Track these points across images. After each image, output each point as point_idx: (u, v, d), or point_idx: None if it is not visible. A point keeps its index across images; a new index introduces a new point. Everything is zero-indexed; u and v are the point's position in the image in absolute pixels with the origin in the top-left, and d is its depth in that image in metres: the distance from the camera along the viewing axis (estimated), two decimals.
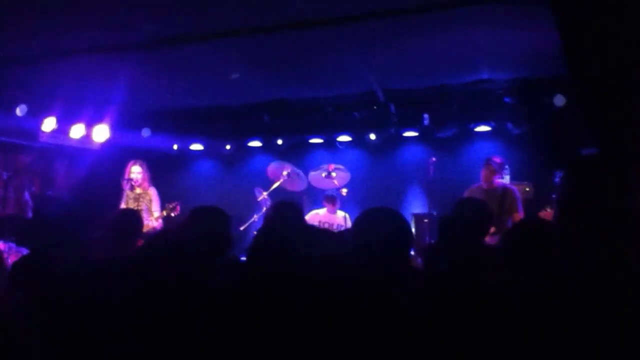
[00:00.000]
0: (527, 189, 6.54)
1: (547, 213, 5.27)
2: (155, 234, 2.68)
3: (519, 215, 5.44)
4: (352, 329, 1.82)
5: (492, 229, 4.85)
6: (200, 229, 2.94)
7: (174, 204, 6.36)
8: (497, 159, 5.81)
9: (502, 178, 6.64)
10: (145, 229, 6.12)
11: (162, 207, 6.50)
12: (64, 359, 2.15)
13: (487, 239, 4.22)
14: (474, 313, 1.95)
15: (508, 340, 1.84)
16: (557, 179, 6.55)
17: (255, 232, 7.05)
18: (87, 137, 7.73)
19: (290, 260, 2.07)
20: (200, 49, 5.40)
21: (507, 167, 6.88)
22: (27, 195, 7.97)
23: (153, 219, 6.37)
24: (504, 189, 5.65)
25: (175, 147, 8.47)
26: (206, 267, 2.51)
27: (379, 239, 2.30)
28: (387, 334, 1.82)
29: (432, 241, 6.11)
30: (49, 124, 7.17)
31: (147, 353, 1.90)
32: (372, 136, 7.56)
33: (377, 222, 2.40)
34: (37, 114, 7.01)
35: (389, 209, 2.50)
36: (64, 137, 7.68)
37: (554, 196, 6.49)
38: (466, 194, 5.61)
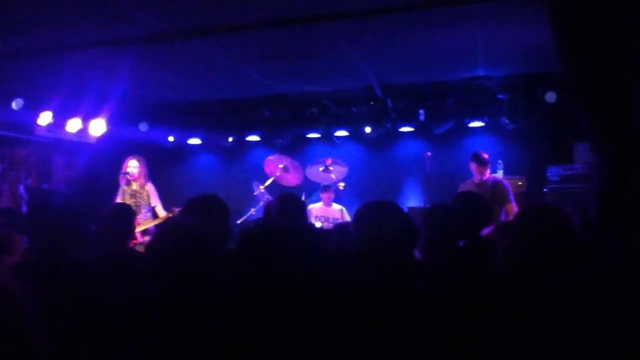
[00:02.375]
0: (520, 183, 6.66)
1: None
2: (165, 228, 2.61)
3: (512, 206, 5.56)
4: (372, 323, 1.82)
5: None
6: (202, 219, 2.89)
7: (177, 210, 6.25)
8: (485, 154, 5.92)
9: (496, 172, 6.75)
10: (143, 226, 6.14)
11: (164, 206, 6.47)
12: (72, 354, 2.17)
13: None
14: (489, 303, 1.99)
15: (525, 330, 1.86)
16: (549, 174, 6.67)
17: (252, 225, 7.07)
18: (83, 131, 7.69)
19: (299, 254, 2.06)
20: (200, 43, 5.41)
21: (500, 161, 7.00)
22: (21, 188, 7.95)
23: (157, 219, 6.34)
24: (495, 182, 5.76)
25: (170, 138, 8.42)
26: (214, 260, 2.47)
27: (385, 231, 2.20)
28: (408, 328, 1.82)
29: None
30: (45, 118, 7.13)
31: (159, 347, 1.90)
32: (368, 129, 7.63)
33: (382, 214, 2.31)
34: (33, 107, 6.98)
35: (391, 202, 2.42)
36: (61, 131, 7.64)
37: (545, 189, 6.62)
38: (460, 190, 5.70)
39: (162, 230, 2.51)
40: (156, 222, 6.33)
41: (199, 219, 2.94)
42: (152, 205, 6.46)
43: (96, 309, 2.34)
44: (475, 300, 2.16)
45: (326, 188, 7.23)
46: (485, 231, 4.78)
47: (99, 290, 2.49)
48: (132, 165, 6.52)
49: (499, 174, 6.80)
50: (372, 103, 7.28)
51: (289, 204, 3.63)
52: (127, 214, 3.90)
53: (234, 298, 1.94)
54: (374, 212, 2.31)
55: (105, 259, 3.34)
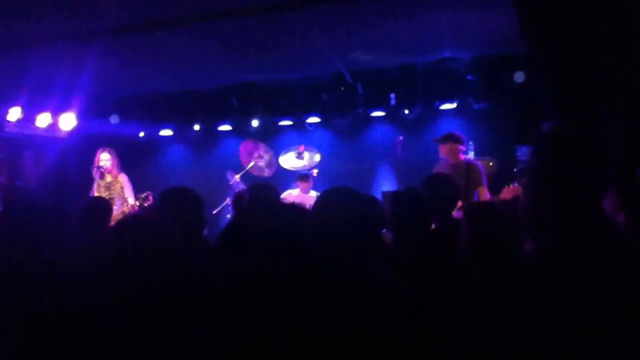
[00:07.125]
0: (491, 164, 6.73)
1: (512, 189, 5.40)
2: (126, 219, 2.53)
3: (483, 189, 5.61)
4: (339, 312, 1.82)
5: (460, 203, 5.03)
6: (173, 212, 2.87)
7: (145, 194, 6.24)
8: (458, 133, 5.97)
9: (467, 154, 6.84)
10: (119, 217, 6.13)
11: (135, 195, 6.48)
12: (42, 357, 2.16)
13: (455, 213, 4.36)
14: (459, 289, 2.02)
15: (495, 320, 1.89)
16: (519, 154, 6.78)
17: (229, 216, 7.15)
18: (53, 125, 7.69)
19: (270, 245, 2.06)
20: (168, 35, 5.38)
21: (471, 143, 7.08)
22: None
23: (127, 205, 6.35)
24: (468, 164, 5.79)
25: (141, 134, 8.37)
26: (185, 252, 2.44)
27: (345, 218, 2.20)
28: (369, 315, 1.77)
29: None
30: (14, 113, 7.11)
31: (133, 345, 1.83)
32: (340, 118, 7.68)
33: (341, 201, 2.34)
34: (1, 104, 6.94)
35: (349, 188, 2.42)
36: (31, 127, 7.60)
37: (515, 170, 6.73)
38: (434, 171, 5.74)
39: (121, 224, 2.40)
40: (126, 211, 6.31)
41: (173, 212, 2.93)
42: (126, 197, 6.44)
43: (71, 312, 2.32)
44: (444, 286, 2.20)
45: (303, 177, 7.25)
46: (458, 213, 4.87)
47: (79, 287, 2.46)
48: (104, 159, 6.51)
49: (470, 155, 6.88)
50: (342, 89, 7.30)
51: (261, 195, 3.62)
52: (103, 206, 3.87)
53: (203, 290, 1.94)
54: (333, 200, 2.34)
55: (80, 256, 3.32)
